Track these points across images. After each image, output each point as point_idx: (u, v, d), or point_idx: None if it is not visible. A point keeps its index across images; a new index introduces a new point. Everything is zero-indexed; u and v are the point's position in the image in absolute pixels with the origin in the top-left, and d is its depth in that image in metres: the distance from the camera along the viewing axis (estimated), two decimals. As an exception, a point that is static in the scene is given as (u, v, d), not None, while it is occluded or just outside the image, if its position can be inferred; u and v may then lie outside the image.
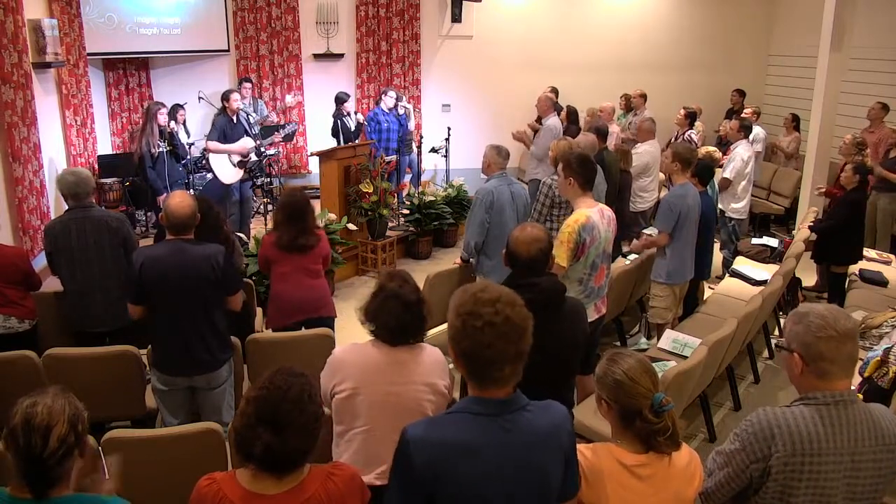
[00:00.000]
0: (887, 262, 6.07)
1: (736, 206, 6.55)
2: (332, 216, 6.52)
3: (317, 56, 9.80)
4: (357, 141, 8.04)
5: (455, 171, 8.58)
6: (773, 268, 5.62)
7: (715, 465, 2.04)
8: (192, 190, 7.44)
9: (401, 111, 8.39)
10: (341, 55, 9.88)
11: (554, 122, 7.19)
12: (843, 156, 6.32)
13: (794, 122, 8.65)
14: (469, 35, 10.15)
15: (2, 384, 3.29)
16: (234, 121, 6.84)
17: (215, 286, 3.26)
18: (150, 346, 3.41)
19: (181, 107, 8.03)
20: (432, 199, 7.67)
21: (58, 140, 6.94)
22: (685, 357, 3.91)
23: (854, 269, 5.86)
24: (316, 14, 9.67)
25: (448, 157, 8.42)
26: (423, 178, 9.15)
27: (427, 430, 1.65)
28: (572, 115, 8.46)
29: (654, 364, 2.06)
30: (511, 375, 1.64)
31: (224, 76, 9.46)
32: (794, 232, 7.12)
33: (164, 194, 6.34)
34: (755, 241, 6.66)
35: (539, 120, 7.61)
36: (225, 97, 6.79)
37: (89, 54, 7.64)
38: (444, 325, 1.83)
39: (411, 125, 8.76)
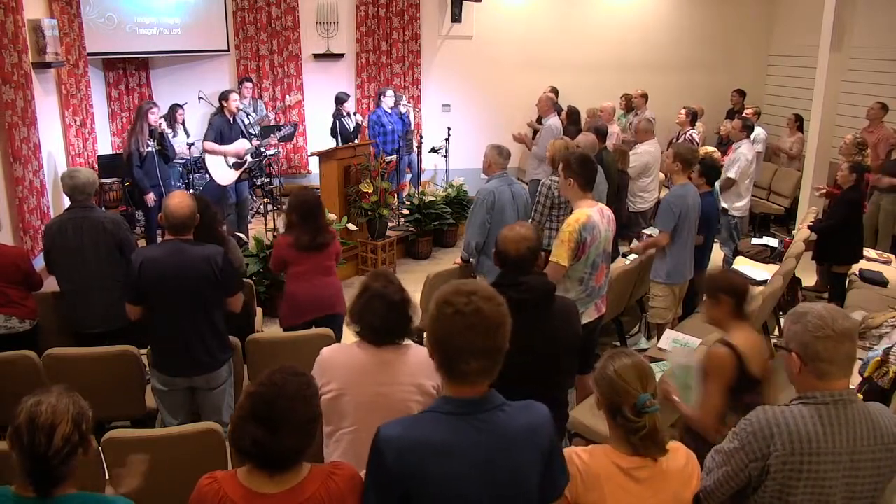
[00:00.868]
0: (887, 262, 6.07)
1: (738, 204, 6.55)
2: (332, 216, 6.51)
3: (317, 56, 9.80)
4: (356, 141, 8.05)
5: (455, 171, 8.58)
6: (773, 268, 5.62)
7: (714, 464, 2.04)
8: (191, 189, 7.45)
9: (403, 110, 8.39)
10: (341, 55, 9.88)
11: (554, 122, 7.20)
12: (844, 156, 6.31)
13: (798, 123, 8.60)
14: (469, 35, 10.15)
15: (2, 384, 3.29)
16: (232, 121, 6.83)
17: (214, 287, 3.26)
18: (149, 347, 3.42)
19: (181, 107, 8.04)
20: (432, 199, 7.67)
21: (58, 140, 6.94)
22: (685, 357, 3.91)
23: (854, 269, 5.86)
24: (316, 14, 9.67)
25: (448, 157, 8.42)
26: (423, 178, 9.15)
27: (398, 430, 1.66)
28: (573, 115, 8.46)
29: (653, 364, 2.07)
30: (480, 372, 1.63)
31: (224, 76, 9.46)
32: (794, 232, 7.12)
33: (151, 193, 6.32)
34: (755, 241, 6.66)
35: (539, 120, 7.62)
36: (223, 97, 6.78)
37: (89, 54, 7.64)
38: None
39: (411, 124, 8.76)
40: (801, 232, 5.96)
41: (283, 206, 7.78)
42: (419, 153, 8.97)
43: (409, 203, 7.74)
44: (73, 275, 3.99)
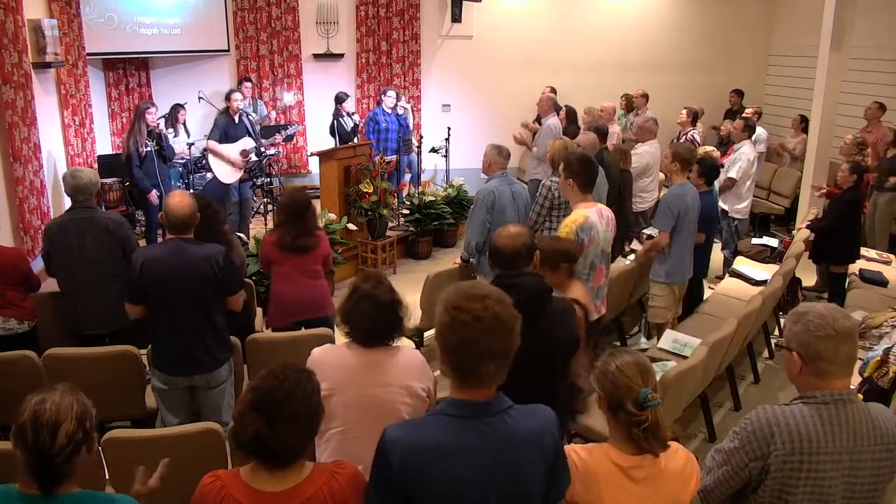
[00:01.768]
0: (887, 262, 6.07)
1: (739, 206, 6.55)
2: (332, 216, 6.52)
3: (317, 56, 9.80)
4: (356, 141, 8.05)
5: (455, 171, 8.58)
6: (773, 268, 5.62)
7: (714, 463, 2.04)
8: (190, 189, 7.45)
9: (400, 111, 8.39)
10: (341, 55, 9.88)
11: (553, 121, 7.20)
12: (844, 156, 6.32)
13: (803, 124, 8.54)
14: (469, 35, 10.15)
15: (2, 384, 3.29)
16: (237, 120, 6.84)
17: (215, 286, 3.26)
18: (150, 346, 3.42)
19: (181, 107, 8.04)
20: (432, 199, 7.67)
21: (58, 140, 6.94)
22: (685, 357, 3.91)
23: (854, 268, 5.86)
24: (316, 14, 9.67)
25: (448, 157, 8.42)
26: (423, 178, 9.15)
27: (404, 432, 1.67)
28: (571, 115, 8.46)
29: (654, 364, 2.07)
30: (495, 374, 1.65)
31: (224, 76, 9.46)
32: (794, 232, 7.12)
33: (154, 192, 6.33)
34: (755, 241, 6.66)
35: (538, 120, 7.61)
36: (227, 97, 6.81)
37: (89, 54, 7.64)
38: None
39: (410, 124, 8.76)
40: (801, 232, 5.96)
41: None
42: (419, 153, 8.98)
43: (409, 203, 7.74)
44: (73, 275, 3.98)
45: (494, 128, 9.16)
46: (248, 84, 8.55)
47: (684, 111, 7.77)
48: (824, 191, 6.39)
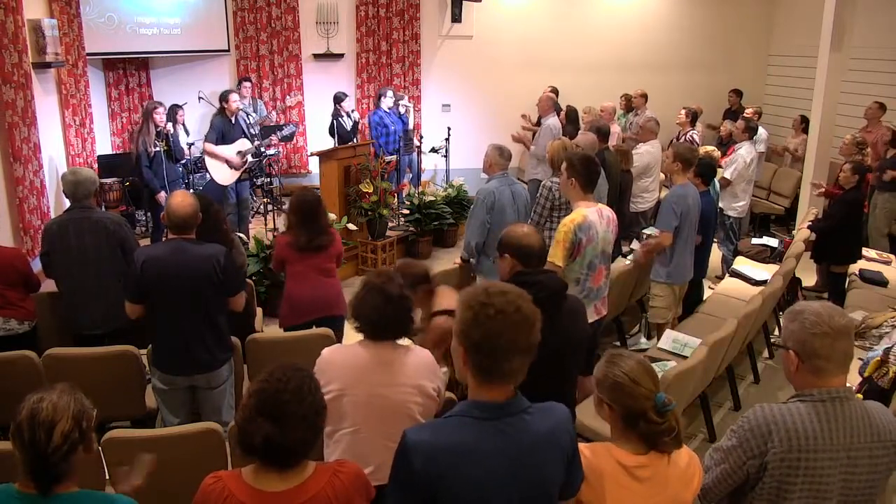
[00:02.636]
0: (887, 262, 6.07)
1: (735, 205, 6.55)
2: (333, 216, 6.51)
3: (317, 56, 9.80)
4: (355, 140, 8.05)
5: (455, 171, 8.58)
6: (773, 268, 5.62)
7: (712, 462, 2.05)
8: (191, 189, 7.44)
9: (402, 110, 8.39)
10: (341, 55, 9.88)
11: (553, 122, 7.19)
12: (844, 156, 6.31)
13: (804, 125, 8.53)
14: (469, 35, 10.15)
15: (2, 384, 3.29)
16: (233, 121, 6.84)
17: (216, 286, 3.26)
18: (150, 346, 3.42)
19: (180, 107, 8.03)
20: (432, 199, 7.68)
21: (58, 140, 6.94)
22: (685, 357, 3.91)
23: (854, 269, 5.86)
24: (316, 14, 9.67)
25: (448, 157, 8.42)
26: (423, 178, 9.15)
27: (426, 434, 1.66)
28: (571, 115, 8.45)
29: (654, 364, 2.06)
30: (518, 370, 1.65)
31: (224, 76, 9.46)
32: (794, 232, 7.12)
33: (162, 193, 6.34)
34: (755, 241, 6.65)
35: (538, 120, 7.61)
36: (223, 98, 6.80)
37: (89, 54, 7.64)
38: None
39: (410, 123, 8.76)
40: (801, 232, 5.96)
41: (283, 206, 7.81)
42: (419, 153, 8.98)
43: (409, 203, 7.74)
44: (73, 276, 3.97)
45: (494, 128, 9.16)
46: (248, 84, 8.55)
47: (683, 111, 7.77)
48: (823, 190, 6.38)
